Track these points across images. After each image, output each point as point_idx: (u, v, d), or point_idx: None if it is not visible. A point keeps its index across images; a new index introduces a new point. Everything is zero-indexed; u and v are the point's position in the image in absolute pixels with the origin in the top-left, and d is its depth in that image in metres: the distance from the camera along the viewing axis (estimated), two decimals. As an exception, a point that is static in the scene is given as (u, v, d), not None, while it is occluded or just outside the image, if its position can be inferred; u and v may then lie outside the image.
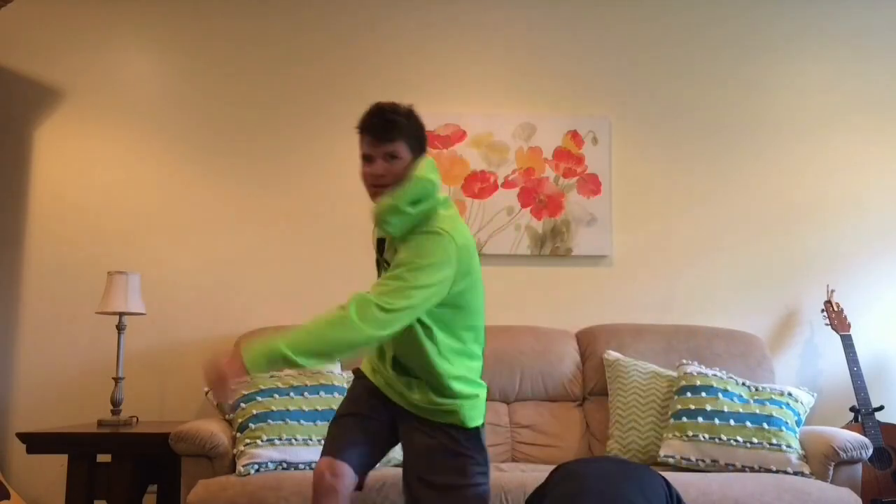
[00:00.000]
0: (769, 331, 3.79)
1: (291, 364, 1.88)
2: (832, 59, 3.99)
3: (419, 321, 2.06)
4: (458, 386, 2.13)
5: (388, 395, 2.22)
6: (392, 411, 2.22)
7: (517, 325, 3.56)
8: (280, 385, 2.99)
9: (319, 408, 2.92)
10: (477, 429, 2.17)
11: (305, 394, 2.95)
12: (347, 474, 2.08)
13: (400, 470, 2.24)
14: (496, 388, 3.38)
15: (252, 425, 2.84)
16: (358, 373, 2.36)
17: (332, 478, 2.06)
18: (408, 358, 2.16)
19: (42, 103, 3.72)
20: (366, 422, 2.20)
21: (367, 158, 2.12)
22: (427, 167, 2.13)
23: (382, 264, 2.22)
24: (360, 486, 2.18)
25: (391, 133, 2.08)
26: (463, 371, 2.15)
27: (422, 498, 2.10)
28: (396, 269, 2.00)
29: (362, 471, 2.18)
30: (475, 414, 2.16)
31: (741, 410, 2.99)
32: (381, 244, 2.23)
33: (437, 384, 2.12)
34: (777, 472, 2.87)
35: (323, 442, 2.23)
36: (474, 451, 2.15)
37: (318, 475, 2.09)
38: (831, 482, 2.84)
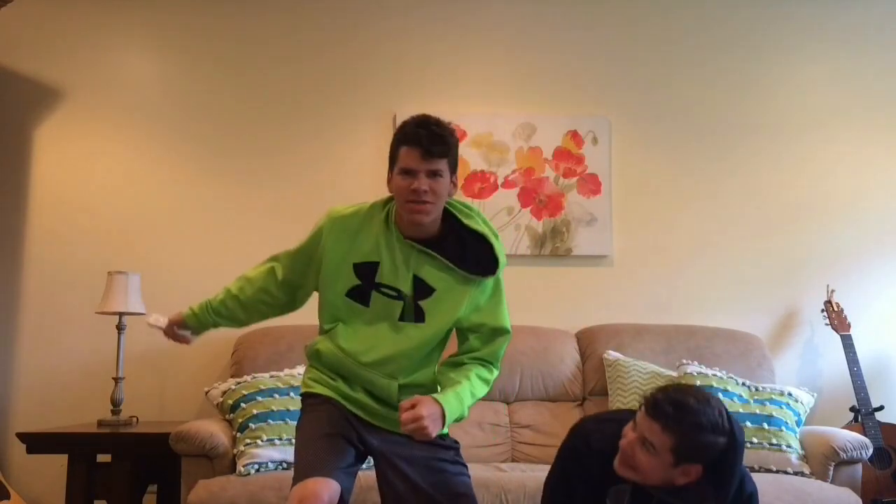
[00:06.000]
0: (769, 331, 3.79)
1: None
2: (832, 58, 3.98)
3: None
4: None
5: (375, 423, 2.07)
6: (365, 437, 2.05)
7: (517, 325, 3.49)
8: (280, 385, 2.99)
9: (319, 408, 2.91)
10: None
11: (305, 394, 2.95)
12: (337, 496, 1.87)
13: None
14: (496, 387, 3.37)
15: (252, 425, 2.84)
16: (317, 398, 2.08)
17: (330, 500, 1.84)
18: (418, 380, 2.08)
19: (42, 103, 3.71)
20: (347, 444, 2.02)
21: (408, 172, 1.93)
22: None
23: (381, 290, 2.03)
24: None
25: (441, 149, 1.92)
26: None
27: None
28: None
29: (347, 497, 1.99)
30: None
31: (741, 410, 2.99)
32: (369, 268, 2.03)
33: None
34: (777, 472, 2.87)
35: (304, 460, 1.98)
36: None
37: (311, 496, 1.84)
38: (831, 482, 2.84)
